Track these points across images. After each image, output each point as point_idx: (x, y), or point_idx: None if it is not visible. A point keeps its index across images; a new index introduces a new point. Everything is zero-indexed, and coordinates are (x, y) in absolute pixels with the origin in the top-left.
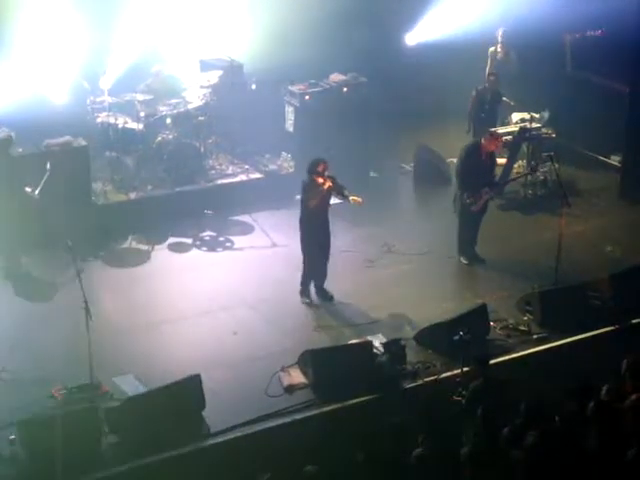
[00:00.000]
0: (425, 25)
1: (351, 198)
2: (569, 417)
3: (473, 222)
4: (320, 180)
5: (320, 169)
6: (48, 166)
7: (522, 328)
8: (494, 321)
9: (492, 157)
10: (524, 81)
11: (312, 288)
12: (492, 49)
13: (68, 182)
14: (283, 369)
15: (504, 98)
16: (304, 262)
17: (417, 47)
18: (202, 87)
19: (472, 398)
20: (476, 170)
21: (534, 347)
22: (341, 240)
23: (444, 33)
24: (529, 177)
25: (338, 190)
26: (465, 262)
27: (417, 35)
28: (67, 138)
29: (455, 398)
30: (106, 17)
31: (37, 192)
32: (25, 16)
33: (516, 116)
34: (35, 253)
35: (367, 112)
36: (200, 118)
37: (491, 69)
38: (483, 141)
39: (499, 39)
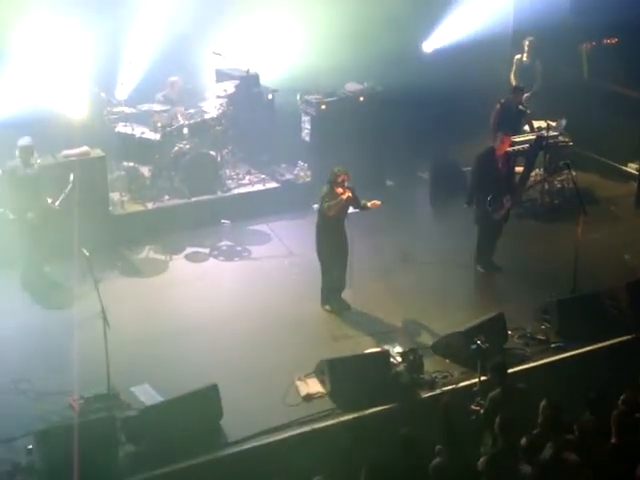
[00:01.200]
0: (442, 32)
1: (370, 204)
2: (586, 427)
3: (492, 231)
4: (340, 190)
5: (340, 180)
6: (71, 178)
7: (540, 337)
8: (512, 330)
9: (509, 164)
10: (542, 89)
11: (332, 295)
12: (518, 57)
13: (85, 192)
14: (300, 378)
15: (520, 107)
16: (322, 271)
17: (434, 54)
18: (219, 97)
19: (490, 408)
20: (492, 177)
21: (552, 356)
22: (358, 249)
23: (460, 37)
24: (546, 184)
25: (356, 202)
26: (482, 270)
27: (434, 42)
28: (85, 148)
29: (473, 408)
30: (121, 26)
31: (58, 203)
32: (38, 26)
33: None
34: (53, 263)
35: (383, 121)
36: (217, 128)
37: (516, 78)
38: (496, 145)
39: (526, 48)
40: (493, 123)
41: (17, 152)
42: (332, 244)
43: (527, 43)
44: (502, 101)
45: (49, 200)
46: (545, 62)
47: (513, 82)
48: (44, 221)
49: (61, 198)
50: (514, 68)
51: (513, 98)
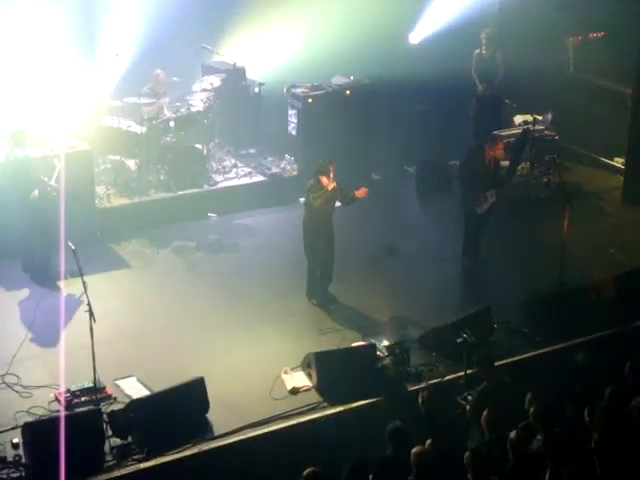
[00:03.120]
0: (426, 23)
1: (357, 193)
2: (572, 421)
3: (478, 225)
4: (325, 180)
5: (326, 169)
6: (56, 161)
7: (525, 330)
8: (498, 323)
9: (496, 159)
10: (527, 83)
11: (317, 288)
12: (477, 51)
13: (71, 185)
14: (287, 372)
15: (507, 101)
16: (308, 265)
17: (421, 46)
18: (205, 90)
19: (477, 401)
20: (480, 173)
21: (537, 349)
22: (344, 242)
23: (446, 28)
24: (532, 179)
25: (343, 195)
26: (469, 265)
27: (420, 33)
28: (71, 141)
29: (460, 401)
30: (106, 18)
31: (53, 181)
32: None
33: (519, 118)
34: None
35: (370, 115)
36: (204, 121)
37: (477, 73)
38: (487, 147)
39: (483, 41)
40: (472, 118)
41: (9, 138)
42: (319, 238)
43: (484, 36)
44: (478, 94)
45: (44, 178)
46: (531, 56)
47: (474, 77)
48: (45, 201)
49: (55, 176)
50: (473, 63)
51: (484, 90)
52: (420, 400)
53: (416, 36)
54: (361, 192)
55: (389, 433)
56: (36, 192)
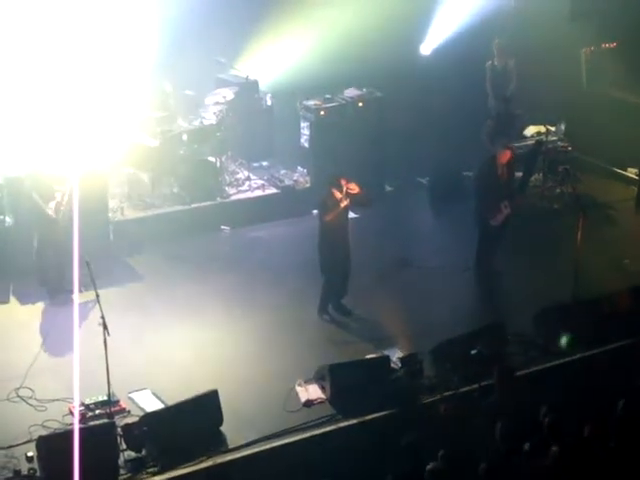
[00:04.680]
0: (437, 35)
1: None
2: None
3: (493, 236)
4: (338, 195)
5: (338, 183)
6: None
7: (539, 342)
8: (511, 335)
9: (509, 171)
10: (540, 94)
11: (330, 303)
12: (489, 63)
13: (85, 199)
14: (300, 384)
15: (518, 112)
16: (322, 278)
17: (432, 57)
18: (218, 103)
19: (491, 413)
20: (494, 185)
21: (551, 361)
22: (358, 254)
23: (457, 39)
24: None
25: (357, 200)
26: (483, 276)
27: (431, 43)
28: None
29: (473, 413)
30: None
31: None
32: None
33: (532, 129)
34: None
35: (382, 127)
36: (216, 134)
37: (491, 85)
38: (497, 154)
39: (495, 52)
40: (487, 140)
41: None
42: (333, 250)
43: (495, 46)
44: (491, 117)
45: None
46: (544, 67)
47: (488, 90)
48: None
49: (66, 199)
50: (488, 75)
51: (503, 110)
52: (442, 411)
53: (427, 47)
54: (352, 189)
55: (404, 446)
56: (52, 205)
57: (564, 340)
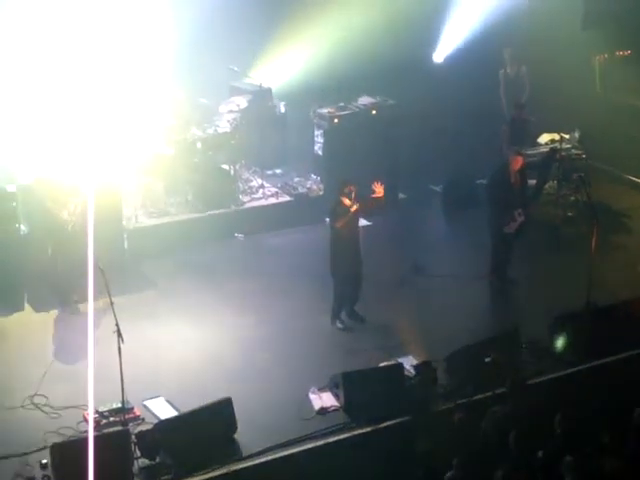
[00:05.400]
0: (448, 37)
1: (374, 195)
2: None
3: (506, 244)
4: (347, 202)
5: (347, 190)
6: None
7: (554, 350)
8: (526, 343)
9: (522, 178)
10: (554, 102)
11: (343, 311)
12: (502, 71)
13: (99, 206)
14: (314, 392)
15: (532, 119)
16: (334, 286)
17: (445, 65)
18: (232, 111)
19: (505, 421)
20: (507, 192)
21: (566, 369)
22: (371, 262)
23: (469, 46)
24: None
25: (368, 206)
26: (498, 284)
27: (443, 50)
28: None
29: (487, 421)
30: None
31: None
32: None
33: (546, 137)
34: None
35: (396, 134)
36: (230, 142)
37: (505, 93)
38: (509, 161)
39: (507, 60)
40: (502, 144)
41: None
42: (345, 258)
43: (507, 54)
44: (508, 121)
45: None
46: (558, 74)
47: (502, 98)
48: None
49: (72, 210)
50: (501, 83)
51: (517, 115)
52: (456, 421)
53: (440, 54)
54: (378, 190)
55: (418, 454)
56: (65, 213)
57: (560, 343)
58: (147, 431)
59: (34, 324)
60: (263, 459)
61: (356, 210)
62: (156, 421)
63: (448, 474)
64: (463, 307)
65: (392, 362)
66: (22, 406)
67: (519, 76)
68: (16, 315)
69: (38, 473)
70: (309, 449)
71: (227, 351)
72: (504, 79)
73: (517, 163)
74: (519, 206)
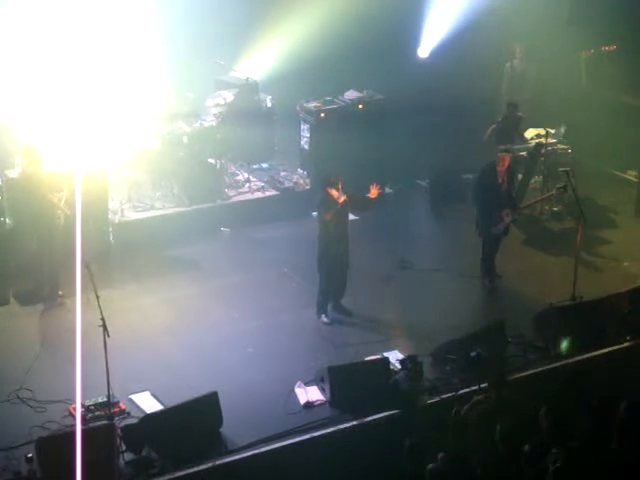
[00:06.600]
0: (433, 32)
1: (370, 195)
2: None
3: (494, 243)
4: (334, 193)
5: (333, 182)
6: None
7: (539, 344)
8: (511, 337)
9: (510, 177)
10: (540, 97)
11: (328, 305)
12: (508, 64)
13: (85, 200)
14: (300, 386)
15: (519, 114)
16: (320, 280)
17: (431, 59)
18: (218, 105)
19: (490, 415)
20: (494, 191)
21: (551, 363)
22: (357, 256)
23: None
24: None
25: (358, 202)
26: (489, 285)
27: (429, 45)
28: (88, 158)
29: (472, 415)
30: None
31: (62, 204)
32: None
33: (532, 132)
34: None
35: (383, 129)
36: (217, 136)
37: (507, 88)
38: (496, 161)
39: (518, 55)
40: (488, 140)
41: (25, 153)
42: (332, 252)
43: (518, 50)
44: (498, 120)
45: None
46: (543, 70)
47: (503, 92)
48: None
49: (63, 200)
50: (505, 77)
51: (509, 113)
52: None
53: (425, 49)
54: (373, 192)
55: (406, 448)
56: (60, 213)
57: (565, 344)
58: (133, 425)
59: (19, 318)
60: (249, 453)
61: (344, 201)
62: (142, 415)
63: (430, 465)
64: (449, 301)
65: (378, 356)
66: (8, 400)
67: (525, 74)
68: (1, 309)
69: (24, 467)
70: (295, 443)
71: (213, 345)
72: (509, 73)
73: (504, 163)
74: (506, 207)
